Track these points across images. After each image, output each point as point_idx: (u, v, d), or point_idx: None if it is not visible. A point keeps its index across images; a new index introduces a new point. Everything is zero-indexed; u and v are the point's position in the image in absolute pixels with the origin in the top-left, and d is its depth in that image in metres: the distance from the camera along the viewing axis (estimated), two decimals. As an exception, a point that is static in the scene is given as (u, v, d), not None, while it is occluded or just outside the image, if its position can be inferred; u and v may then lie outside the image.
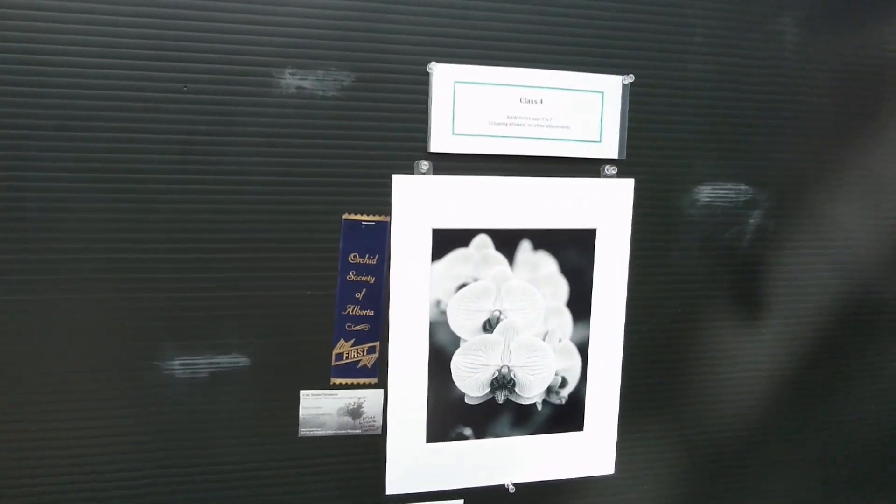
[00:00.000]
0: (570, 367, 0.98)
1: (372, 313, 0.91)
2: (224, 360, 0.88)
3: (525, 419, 0.97)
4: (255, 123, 0.85)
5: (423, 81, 0.89)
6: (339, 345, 0.91)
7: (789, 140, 1.03)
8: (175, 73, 0.82)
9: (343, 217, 0.89)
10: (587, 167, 0.96)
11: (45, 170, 0.80)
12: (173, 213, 0.84)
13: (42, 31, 0.78)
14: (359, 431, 0.93)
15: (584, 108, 0.94)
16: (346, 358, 0.91)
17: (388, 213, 0.90)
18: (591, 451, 1.01)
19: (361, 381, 0.92)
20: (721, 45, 0.98)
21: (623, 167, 0.97)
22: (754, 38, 0.99)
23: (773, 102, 1.01)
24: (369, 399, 0.92)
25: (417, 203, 0.90)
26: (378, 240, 0.90)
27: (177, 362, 0.87)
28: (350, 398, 0.92)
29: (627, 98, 0.95)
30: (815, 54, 1.02)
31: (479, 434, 0.96)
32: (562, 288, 0.96)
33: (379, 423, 0.93)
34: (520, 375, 0.96)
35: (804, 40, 1.01)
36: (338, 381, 0.92)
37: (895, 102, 1.06)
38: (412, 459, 0.94)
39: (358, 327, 0.91)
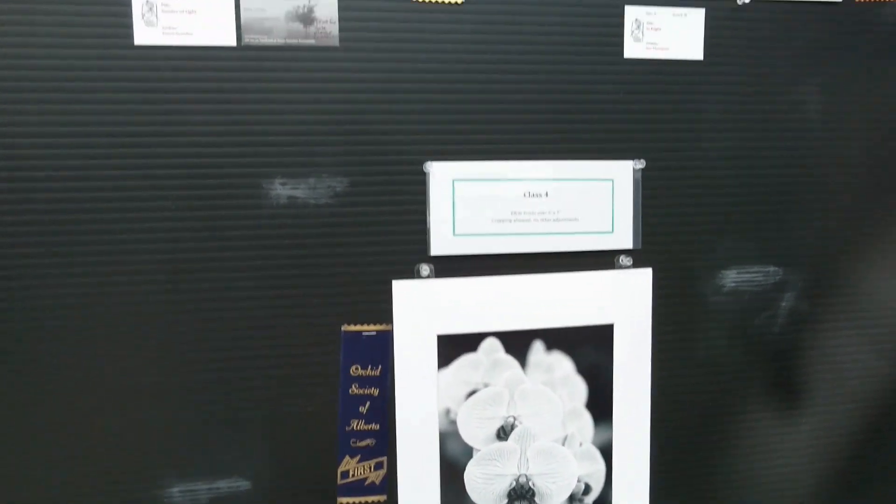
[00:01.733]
0: (594, 472, 0.92)
1: (377, 427, 0.86)
2: (223, 484, 0.84)
3: (547, 532, 0.91)
4: (246, 237, 0.81)
5: (420, 181, 0.85)
6: (343, 462, 0.86)
7: (819, 214, 0.96)
8: (162, 192, 0.79)
9: (342, 328, 0.85)
10: (601, 259, 0.90)
11: (34, 298, 0.77)
12: (165, 333, 0.81)
13: (26, 147, 0.76)
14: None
15: (593, 197, 0.88)
16: (353, 476, 0.86)
17: (389, 321, 0.85)
18: (620, 562, 0.93)
19: (369, 499, 0.87)
20: (737, 120, 0.92)
21: (639, 256, 0.91)
22: (774, 109, 0.93)
23: (798, 175, 0.95)
24: (378, 519, 0.87)
25: (420, 309, 0.85)
26: (380, 350, 0.85)
27: (176, 489, 0.83)
28: (357, 519, 0.87)
29: (640, 183, 0.90)
30: (841, 121, 0.95)
31: (498, 550, 0.90)
32: (579, 389, 0.90)
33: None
34: (539, 484, 0.90)
35: (829, 108, 0.95)
36: (344, 500, 0.86)
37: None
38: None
39: (363, 443, 0.86)
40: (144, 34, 0.78)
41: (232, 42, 0.80)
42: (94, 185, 0.78)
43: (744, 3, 0.90)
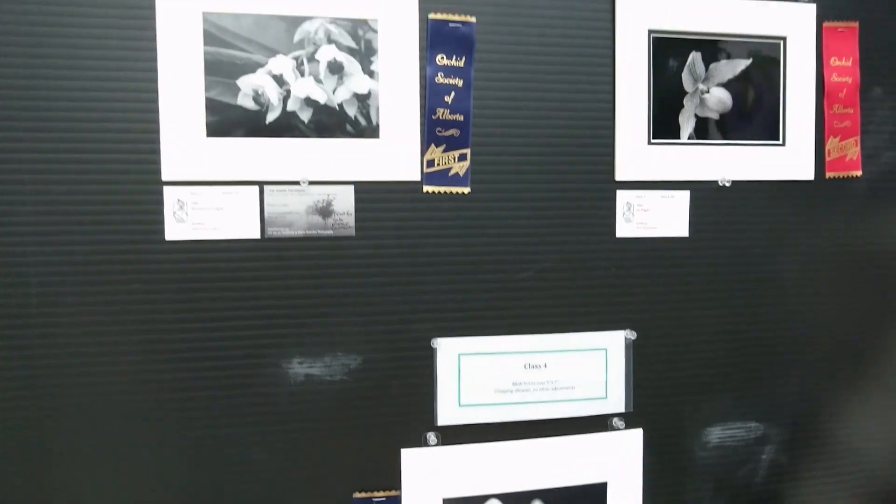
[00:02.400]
0: None
1: (385, 588, 0.91)
2: None
3: None
4: (263, 413, 0.87)
5: (429, 356, 0.91)
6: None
7: (796, 372, 1.03)
8: (189, 373, 0.84)
9: (354, 496, 0.90)
10: (595, 422, 0.96)
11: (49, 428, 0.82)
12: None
13: (67, 337, 0.81)
14: None
15: (588, 366, 0.95)
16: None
17: (398, 487, 0.91)
18: None
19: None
20: (721, 290, 1.00)
21: (631, 418, 0.97)
22: (754, 277, 1.00)
23: (776, 337, 1.02)
24: None
25: (427, 475, 0.91)
26: (389, 515, 0.90)
27: None
28: None
29: (631, 352, 0.97)
30: (815, 287, 1.03)
31: None
32: (576, 546, 0.95)
33: None
34: None
35: (804, 274, 1.03)
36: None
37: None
38: None
39: None
40: (175, 230, 0.84)
41: (256, 235, 0.86)
42: (124, 371, 0.83)
43: (724, 185, 0.98)
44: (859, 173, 1.04)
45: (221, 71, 0.84)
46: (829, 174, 1.02)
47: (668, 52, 0.96)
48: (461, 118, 0.90)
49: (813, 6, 1.00)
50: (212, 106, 0.84)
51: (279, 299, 0.87)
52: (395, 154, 0.88)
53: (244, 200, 0.85)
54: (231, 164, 0.85)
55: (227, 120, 0.84)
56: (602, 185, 0.95)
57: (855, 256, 1.05)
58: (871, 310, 1.06)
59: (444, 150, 0.90)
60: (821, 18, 1.01)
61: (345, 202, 0.88)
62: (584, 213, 0.95)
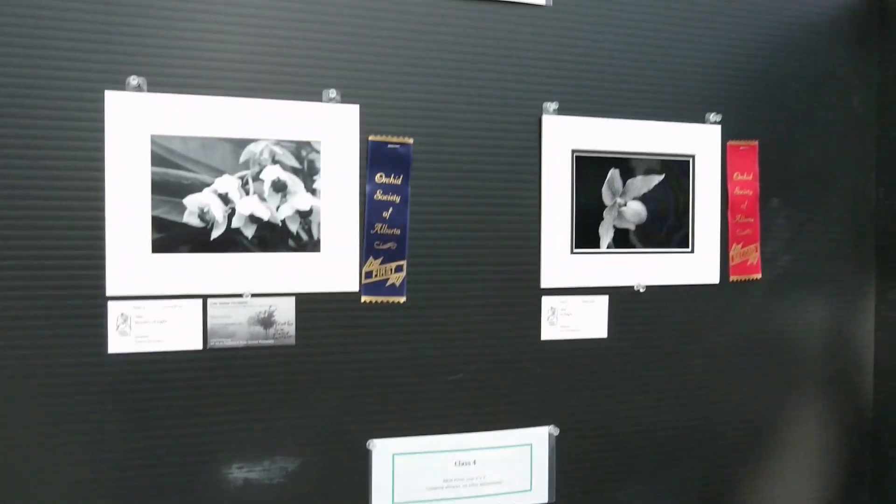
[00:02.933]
0: None
1: None
2: None
3: None
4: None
5: (364, 457, 0.96)
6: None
7: (705, 454, 1.12)
8: (120, 482, 0.87)
9: None
10: (520, 513, 1.03)
11: None
12: None
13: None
14: None
15: (514, 461, 1.01)
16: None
17: (333, 584, 0.95)
18: None
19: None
20: (637, 385, 1.08)
21: (554, 507, 1.04)
22: (667, 375, 1.09)
23: (688, 428, 1.11)
24: None
25: (361, 572, 0.95)
26: None
27: None
28: None
29: (555, 445, 1.04)
30: (722, 381, 1.13)
31: None
32: None
33: None
34: None
35: (710, 373, 1.12)
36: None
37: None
38: None
39: None
40: (118, 343, 0.87)
41: (199, 346, 0.89)
42: (68, 481, 0.85)
43: (639, 290, 1.07)
44: (759, 276, 1.14)
45: (168, 190, 0.87)
46: (732, 277, 1.13)
47: (590, 169, 1.04)
48: (398, 232, 0.96)
49: (718, 127, 1.11)
50: (158, 224, 0.87)
51: (220, 406, 0.90)
52: (335, 266, 0.93)
53: (187, 313, 0.89)
54: (175, 278, 0.88)
55: (172, 237, 0.88)
56: (528, 292, 1.02)
57: (757, 348, 1.15)
58: (772, 394, 1.16)
59: (382, 262, 0.96)
60: (725, 138, 1.11)
61: (286, 313, 0.92)
62: (512, 318, 1.02)
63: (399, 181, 0.96)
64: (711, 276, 1.11)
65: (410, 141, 0.96)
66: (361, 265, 0.95)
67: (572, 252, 1.04)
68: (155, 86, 0.87)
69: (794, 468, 1.18)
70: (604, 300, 1.06)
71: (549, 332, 1.03)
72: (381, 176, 0.95)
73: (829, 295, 1.20)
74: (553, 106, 1.02)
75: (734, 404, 1.14)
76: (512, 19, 1.01)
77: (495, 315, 1.01)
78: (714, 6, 1.10)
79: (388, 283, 0.96)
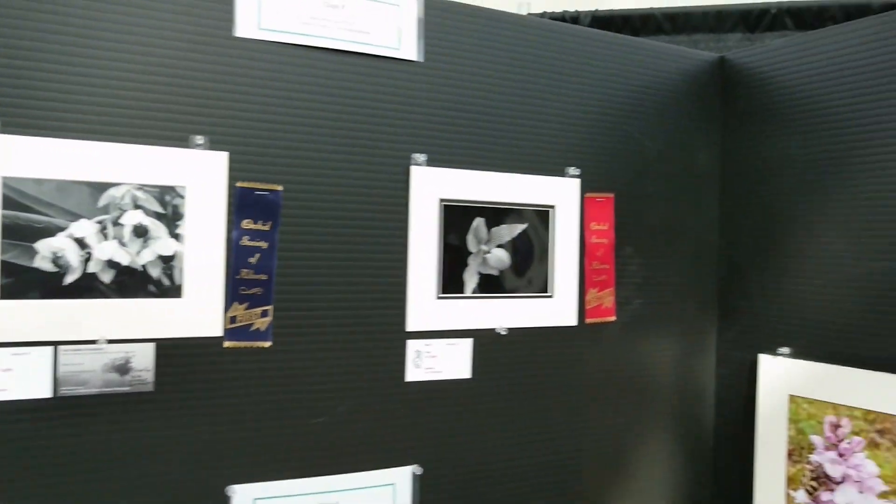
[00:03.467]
0: None
1: None
2: None
3: None
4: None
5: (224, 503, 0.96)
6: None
7: (566, 487, 1.19)
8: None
9: None
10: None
11: None
12: None
13: None
14: None
15: (377, 502, 1.04)
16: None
17: None
18: None
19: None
20: (499, 422, 1.13)
21: (416, 545, 1.07)
22: (527, 411, 1.15)
23: (550, 458, 1.17)
24: None
25: None
26: None
27: None
28: None
29: (417, 485, 1.07)
30: (581, 423, 1.20)
31: None
32: None
33: None
34: None
35: (567, 411, 1.19)
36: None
37: None
38: None
39: None
40: (-42, 393, 0.83)
41: (48, 394, 0.87)
42: None
43: (501, 333, 1.13)
44: (613, 318, 1.23)
45: (18, 234, 0.85)
46: (588, 320, 1.21)
47: (456, 217, 1.09)
48: (265, 277, 0.97)
49: (577, 180, 1.18)
50: (7, 269, 0.84)
51: (69, 455, 0.88)
52: (198, 312, 0.93)
53: (36, 361, 0.86)
54: (24, 325, 0.85)
55: (22, 282, 0.85)
56: (394, 336, 1.06)
57: (611, 385, 1.23)
58: (625, 427, 1.25)
59: (247, 308, 0.96)
60: (583, 190, 1.19)
61: (144, 359, 0.91)
62: (377, 361, 1.04)
63: (267, 227, 0.97)
64: (569, 318, 1.19)
65: (280, 188, 0.98)
66: (225, 310, 0.95)
67: (438, 297, 1.08)
68: (9, 126, 0.84)
69: (645, 493, 1.27)
70: (468, 343, 1.11)
71: (413, 373, 1.07)
72: (248, 222, 0.96)
73: (675, 335, 1.30)
74: (422, 157, 1.07)
75: (591, 438, 1.22)
76: (385, 73, 1.04)
77: (361, 358, 1.03)
78: (575, 69, 1.18)
79: (253, 327, 0.97)
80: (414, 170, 1.06)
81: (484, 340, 1.12)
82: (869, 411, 1.11)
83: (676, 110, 1.28)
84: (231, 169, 0.95)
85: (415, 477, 1.07)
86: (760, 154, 1.27)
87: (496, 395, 1.13)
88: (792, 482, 1.21)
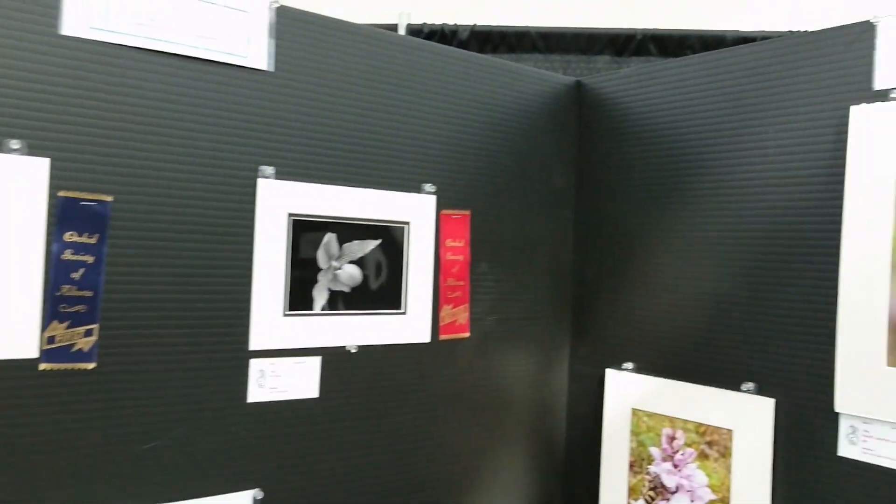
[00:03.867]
0: None
1: None
2: None
3: None
4: None
5: (37, 538, 0.88)
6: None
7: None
8: None
9: None
10: (219, 581, 1.01)
11: None
12: None
13: None
14: None
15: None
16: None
17: None
18: None
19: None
20: (350, 441, 1.11)
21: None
22: (382, 431, 1.14)
23: (405, 479, 1.16)
24: None
25: None
26: None
27: None
28: None
29: (259, 508, 1.03)
30: (436, 429, 1.20)
31: None
32: None
33: None
34: None
35: (434, 428, 1.19)
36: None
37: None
38: None
39: None
40: None
41: None
42: None
43: (351, 350, 1.11)
44: (468, 334, 1.24)
45: None
46: (442, 336, 1.21)
47: (306, 232, 1.06)
48: (90, 294, 0.91)
49: (433, 197, 1.19)
50: None
51: None
52: (8, 332, 0.86)
53: None
54: None
55: None
56: (236, 355, 1.01)
57: (465, 401, 1.24)
58: (480, 442, 1.26)
59: (69, 327, 0.90)
60: (440, 207, 1.20)
61: (-57, 384, 0.83)
62: (217, 382, 1.00)
63: (94, 240, 0.91)
64: (422, 335, 1.19)
65: (109, 198, 0.92)
66: (42, 329, 0.88)
67: (285, 314, 1.05)
68: None
69: (495, 510, 1.29)
70: (316, 361, 1.08)
71: (256, 394, 1.03)
72: (72, 234, 0.89)
73: (529, 351, 1.33)
74: (270, 170, 1.03)
75: (444, 456, 1.22)
76: (232, 81, 1.00)
77: (198, 379, 0.99)
78: (433, 87, 1.19)
79: (75, 348, 0.90)
80: (261, 182, 1.03)
81: (333, 358, 1.10)
82: (700, 424, 1.17)
83: (534, 130, 1.32)
84: (53, 177, 0.88)
85: (256, 502, 1.03)
86: (611, 176, 1.32)
87: (345, 415, 1.11)
88: (633, 492, 1.26)
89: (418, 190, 1.18)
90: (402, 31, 2.18)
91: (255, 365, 1.03)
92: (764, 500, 1.08)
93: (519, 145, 1.30)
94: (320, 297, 1.08)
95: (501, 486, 1.30)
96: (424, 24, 2.21)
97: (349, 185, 1.10)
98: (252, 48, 1.02)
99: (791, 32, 1.89)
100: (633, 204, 1.28)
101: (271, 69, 1.04)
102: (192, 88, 0.97)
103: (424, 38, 2.22)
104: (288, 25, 1.05)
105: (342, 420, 1.11)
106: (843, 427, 1.01)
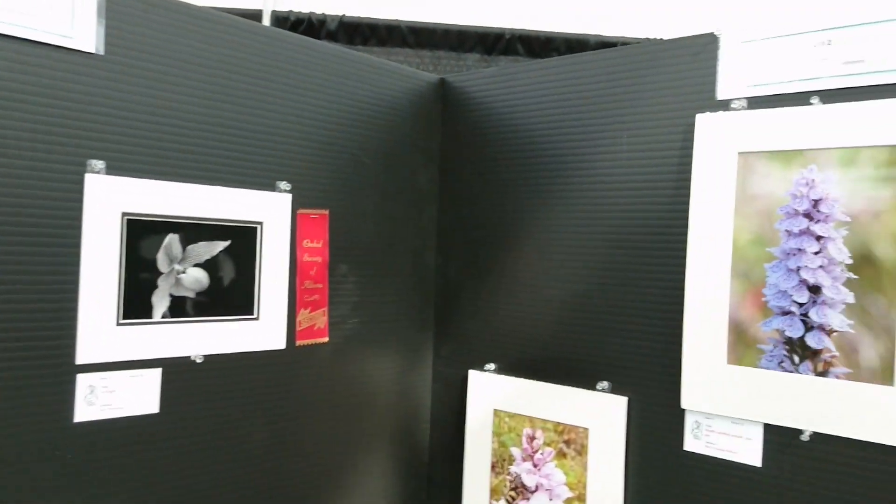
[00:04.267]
0: None
1: None
2: None
3: None
4: None
5: None
6: None
7: (266, 522, 1.12)
8: None
9: None
10: None
11: None
12: None
13: None
14: None
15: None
16: None
17: None
18: None
19: None
20: (193, 460, 1.03)
21: None
22: (226, 443, 1.06)
23: (248, 497, 1.09)
24: None
25: None
26: None
27: None
28: None
29: (88, 538, 0.93)
30: (280, 438, 1.14)
31: None
32: None
33: None
34: None
35: (278, 433, 1.13)
36: None
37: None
38: None
39: None
40: None
41: None
42: None
43: (196, 361, 1.03)
44: (327, 339, 1.19)
45: None
46: (299, 342, 1.15)
47: (144, 234, 0.97)
48: None
49: (289, 195, 1.12)
50: None
51: None
52: None
53: None
54: None
55: None
56: (59, 370, 0.91)
57: (326, 407, 1.19)
58: (342, 448, 1.22)
59: None
60: (296, 206, 1.14)
61: None
62: (36, 401, 0.90)
63: None
64: (277, 341, 1.13)
65: None
66: None
67: (118, 324, 0.96)
68: None
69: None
70: (156, 373, 1.00)
71: (85, 412, 0.93)
72: None
73: (392, 353, 1.30)
74: (100, 164, 0.94)
75: (305, 464, 1.17)
76: (55, 65, 0.90)
77: (13, 399, 0.88)
78: (290, 79, 1.12)
79: None
80: (90, 178, 0.93)
81: (175, 370, 1.02)
82: (558, 423, 1.18)
83: (397, 128, 1.28)
84: None
85: (87, 530, 0.93)
86: (473, 176, 1.31)
87: (191, 430, 1.04)
88: (495, 493, 1.26)
89: (272, 188, 1.11)
90: (266, 19, 2.08)
91: (82, 380, 0.93)
92: (617, 496, 1.11)
93: (381, 143, 1.26)
94: (161, 303, 1.00)
95: (364, 492, 1.26)
96: (291, 11, 2.13)
97: (195, 182, 1.02)
98: (78, 28, 0.92)
99: (648, 40, 1.97)
100: (496, 204, 1.27)
101: (101, 52, 0.93)
102: (6, 71, 0.86)
103: (291, 27, 2.13)
104: (123, 6, 0.95)
105: (187, 436, 1.03)
106: (689, 422, 1.05)
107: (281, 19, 2.12)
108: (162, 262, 1.00)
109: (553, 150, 1.20)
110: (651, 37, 2.06)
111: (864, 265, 0.90)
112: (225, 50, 1.05)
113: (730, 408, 1.00)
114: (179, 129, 1.01)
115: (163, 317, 1.00)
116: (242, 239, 1.08)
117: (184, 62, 1.01)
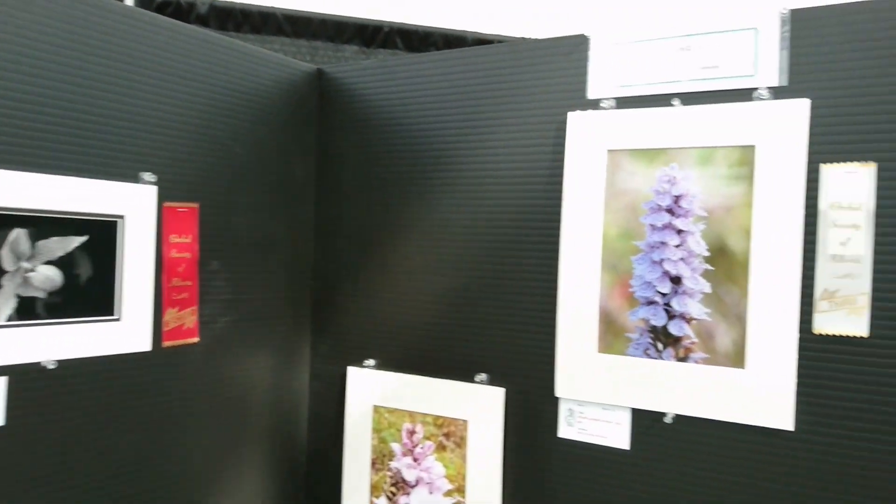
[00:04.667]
0: None
1: None
2: None
3: None
4: None
5: None
6: None
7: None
8: None
9: None
10: None
11: None
12: None
13: None
14: None
15: None
16: None
17: None
18: None
19: None
20: (43, 475, 0.95)
21: None
22: (82, 459, 0.99)
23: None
24: None
25: None
26: None
27: None
28: None
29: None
30: (173, 440, 1.07)
31: None
32: None
33: None
34: None
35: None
36: None
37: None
38: None
39: None
40: None
41: None
42: None
43: (48, 367, 0.95)
44: (197, 339, 1.13)
45: None
46: (166, 343, 1.09)
47: (-16, 228, 0.88)
48: None
49: (154, 188, 1.05)
50: None
51: None
52: None
53: None
54: None
55: None
56: None
57: (198, 410, 1.13)
58: (216, 452, 1.16)
59: None
60: (161, 199, 1.07)
61: None
62: None
63: None
64: (142, 343, 1.06)
65: None
66: None
67: (-46, 328, 0.86)
68: None
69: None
70: (2, 382, 0.90)
71: (-86, 428, 0.83)
72: None
73: (268, 352, 1.25)
74: (-71, 150, 0.83)
75: (176, 470, 1.10)
76: None
77: None
78: (156, 64, 1.05)
79: None
80: (-83, 166, 0.82)
81: (23, 378, 0.93)
82: (438, 416, 1.19)
83: (272, 118, 1.24)
84: None
85: None
86: (352, 169, 1.29)
87: (43, 443, 0.95)
88: (375, 490, 1.25)
89: (135, 179, 1.04)
90: (128, -1, 1.95)
91: (-89, 393, 0.83)
92: (495, 486, 1.14)
93: (254, 134, 1.21)
94: (6, 305, 0.91)
95: (241, 494, 1.22)
96: (158, -9, 2.00)
97: (46, 172, 0.94)
98: None
99: (524, 39, 2.02)
100: (374, 198, 1.26)
101: (-70, 26, 0.83)
102: None
103: (157, 9, 2.01)
104: (-46, -26, 0.86)
105: (39, 449, 0.95)
106: (563, 410, 1.08)
107: (146, 1, 1.99)
108: (6, 260, 0.91)
109: (432, 144, 1.20)
110: (527, 36, 2.11)
111: (720, 257, 0.97)
112: (82, 30, 0.97)
113: (600, 395, 1.05)
114: (30, 114, 0.92)
115: (8, 320, 0.91)
116: (101, 234, 1.00)
117: (35, 41, 0.92)
